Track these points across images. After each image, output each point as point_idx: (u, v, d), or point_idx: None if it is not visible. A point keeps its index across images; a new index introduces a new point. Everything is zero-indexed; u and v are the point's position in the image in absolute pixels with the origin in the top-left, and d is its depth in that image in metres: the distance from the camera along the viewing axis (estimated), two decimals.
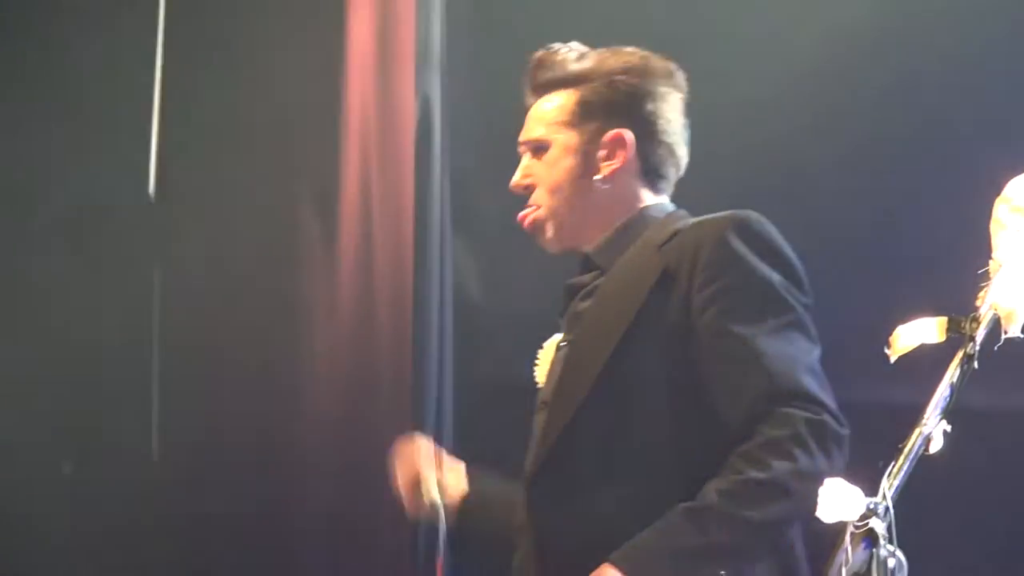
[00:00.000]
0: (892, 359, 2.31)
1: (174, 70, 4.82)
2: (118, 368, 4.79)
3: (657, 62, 3.23)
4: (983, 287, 2.27)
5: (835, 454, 2.79)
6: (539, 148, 3.22)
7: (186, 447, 4.70)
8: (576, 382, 3.05)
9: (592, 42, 3.34)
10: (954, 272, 2.41)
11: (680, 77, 3.24)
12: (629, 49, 3.24)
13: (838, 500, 2.15)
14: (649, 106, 3.19)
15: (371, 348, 4.53)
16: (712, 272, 2.96)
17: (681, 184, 3.29)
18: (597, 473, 2.98)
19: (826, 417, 2.81)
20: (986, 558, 4.39)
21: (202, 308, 4.71)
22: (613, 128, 3.18)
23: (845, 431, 2.82)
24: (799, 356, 2.89)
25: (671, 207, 3.22)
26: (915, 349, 2.31)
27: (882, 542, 2.14)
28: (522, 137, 3.26)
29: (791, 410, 2.81)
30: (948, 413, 2.22)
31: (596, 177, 3.17)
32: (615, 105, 3.19)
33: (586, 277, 3.20)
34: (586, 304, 3.15)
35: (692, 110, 3.27)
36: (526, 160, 3.25)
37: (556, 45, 3.26)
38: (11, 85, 4.82)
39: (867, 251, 4.33)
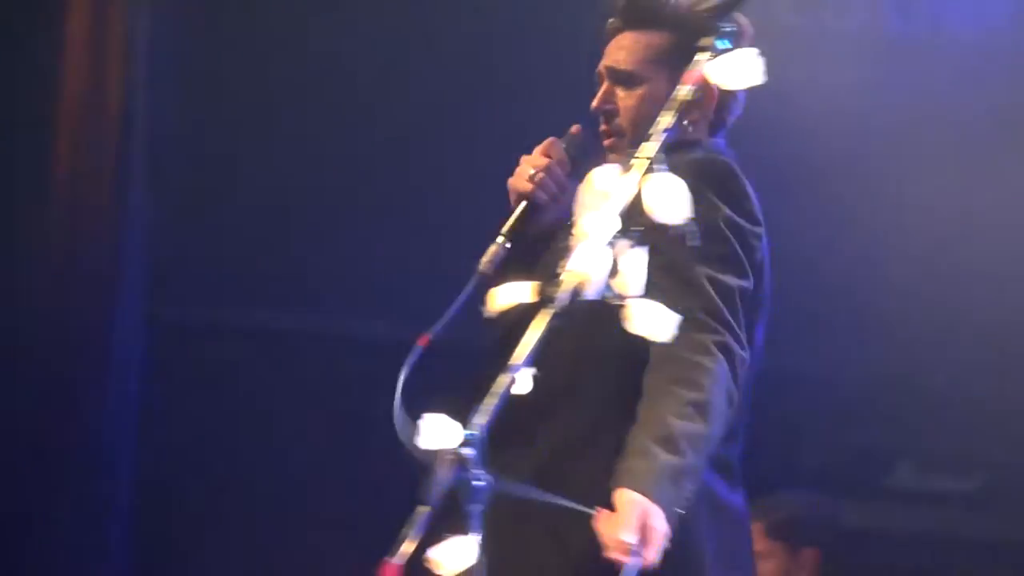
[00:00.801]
0: (491, 314, 2.44)
1: None
2: None
3: (747, 25, 3.06)
4: (566, 257, 2.37)
5: (738, 372, 2.78)
6: (628, 80, 3.04)
7: None
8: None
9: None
10: None
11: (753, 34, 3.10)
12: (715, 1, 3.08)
13: (437, 431, 2.24)
14: None
15: (72, 290, 4.60)
16: None
17: None
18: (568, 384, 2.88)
19: (729, 340, 2.78)
20: None
21: None
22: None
23: (746, 353, 2.80)
24: (722, 280, 2.82)
25: (701, 148, 3.06)
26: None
27: (471, 467, 2.22)
28: (610, 63, 3.05)
29: (703, 335, 2.75)
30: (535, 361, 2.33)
31: (684, 122, 2.94)
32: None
33: None
34: None
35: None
36: (607, 86, 3.06)
37: None
38: None
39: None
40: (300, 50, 4.97)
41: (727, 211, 2.87)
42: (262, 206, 5.02)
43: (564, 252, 2.40)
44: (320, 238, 5.06)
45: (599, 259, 2.39)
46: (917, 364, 4.75)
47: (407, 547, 2.19)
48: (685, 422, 2.67)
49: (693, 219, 2.74)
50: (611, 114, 3.05)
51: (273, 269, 5.03)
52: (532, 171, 3.00)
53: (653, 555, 2.56)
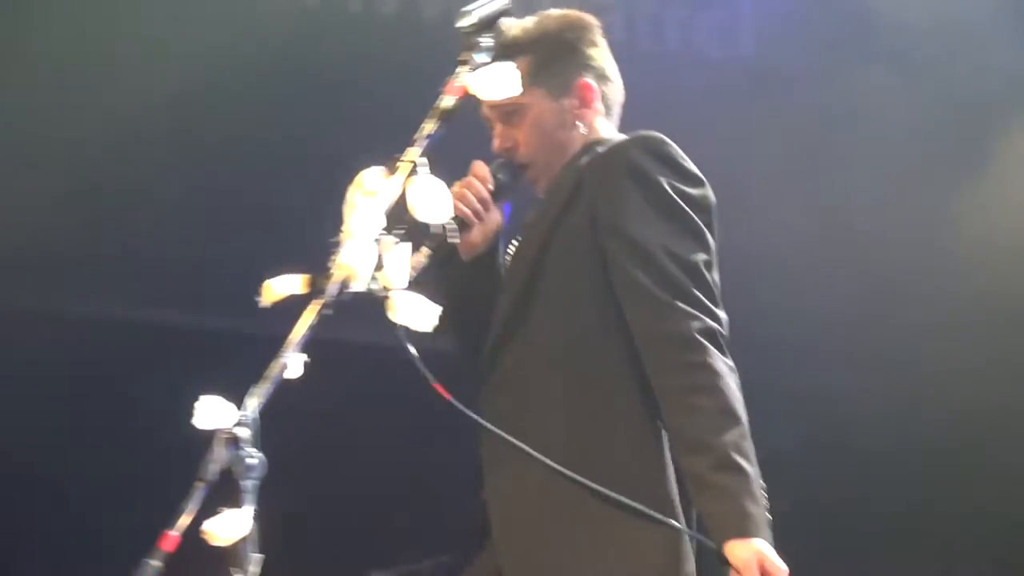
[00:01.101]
0: (265, 304, 2.46)
1: None
2: None
3: (586, 15, 3.13)
4: (335, 252, 2.45)
5: (724, 347, 2.80)
6: (513, 113, 3.06)
7: None
8: (512, 289, 2.99)
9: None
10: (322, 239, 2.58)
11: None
12: (557, 11, 3.13)
13: (212, 411, 2.30)
14: (594, 52, 3.10)
15: None
16: (612, 179, 2.91)
17: None
18: (530, 364, 2.92)
19: (708, 321, 2.79)
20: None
21: None
22: (574, 79, 3.08)
23: (722, 326, 2.82)
24: (686, 258, 2.85)
25: (618, 135, 3.10)
26: (288, 297, 2.46)
27: (244, 446, 2.28)
28: (491, 104, 3.02)
29: (687, 323, 2.77)
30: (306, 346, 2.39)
31: (578, 124, 3.07)
32: (570, 59, 3.08)
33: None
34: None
35: None
36: (499, 128, 3.08)
37: None
38: None
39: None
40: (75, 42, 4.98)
41: (673, 180, 2.90)
42: (59, 195, 5.02)
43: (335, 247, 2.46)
44: (116, 227, 5.09)
45: (365, 254, 2.46)
46: None
47: (185, 519, 2.24)
48: (725, 435, 2.68)
49: (644, 197, 2.86)
50: (512, 152, 3.07)
51: (69, 258, 5.05)
52: (457, 188, 3.02)
53: None
